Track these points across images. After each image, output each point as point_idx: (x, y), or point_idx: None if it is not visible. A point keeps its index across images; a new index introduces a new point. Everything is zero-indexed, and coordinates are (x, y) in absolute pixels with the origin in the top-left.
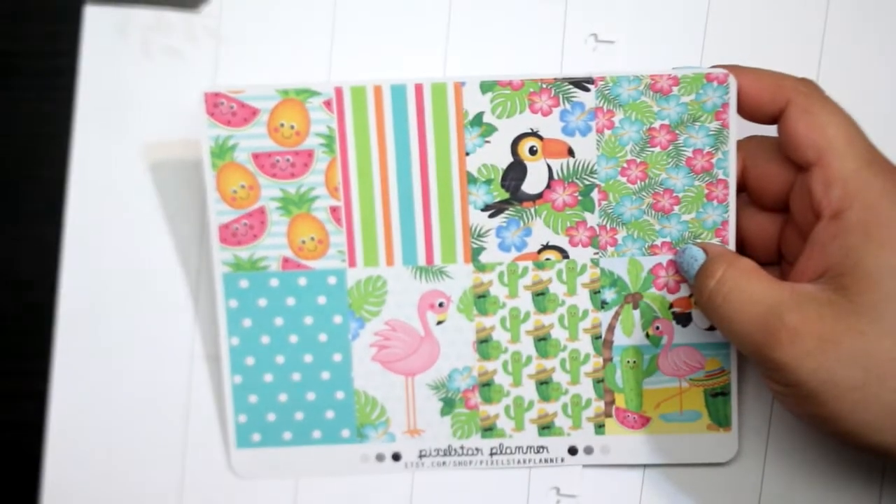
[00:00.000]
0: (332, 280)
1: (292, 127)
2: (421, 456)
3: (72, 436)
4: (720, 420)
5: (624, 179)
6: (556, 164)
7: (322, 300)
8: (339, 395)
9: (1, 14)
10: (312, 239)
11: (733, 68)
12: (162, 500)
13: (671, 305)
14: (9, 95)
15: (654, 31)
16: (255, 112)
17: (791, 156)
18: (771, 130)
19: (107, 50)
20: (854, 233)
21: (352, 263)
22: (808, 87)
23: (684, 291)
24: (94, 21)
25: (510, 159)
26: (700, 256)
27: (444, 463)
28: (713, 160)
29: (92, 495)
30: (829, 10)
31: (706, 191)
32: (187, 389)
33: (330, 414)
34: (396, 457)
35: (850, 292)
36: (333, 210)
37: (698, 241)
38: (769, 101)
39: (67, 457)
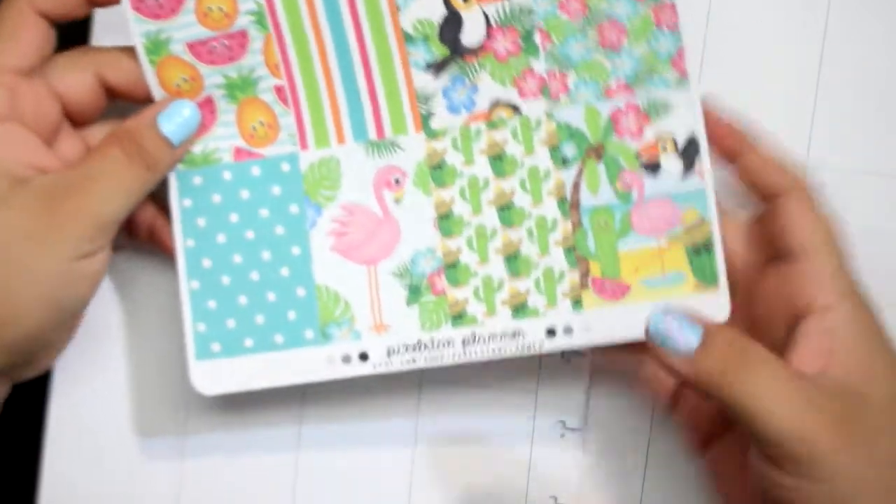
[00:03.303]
0: (285, 167)
1: (221, 9)
2: (389, 354)
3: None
4: (706, 278)
5: (564, 15)
6: (491, 8)
7: (277, 190)
8: (301, 291)
9: None
10: (262, 124)
11: (743, 141)
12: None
13: (638, 154)
14: None
15: None
16: (180, 0)
17: (781, 244)
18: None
19: None
20: (853, 327)
21: (303, 145)
22: (805, 183)
23: (649, 137)
24: (100, 23)
25: (443, 11)
26: (696, 331)
27: (413, 360)
28: None
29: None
30: (829, 9)
31: (653, 16)
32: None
33: (292, 314)
34: (364, 356)
35: (873, 389)
36: (278, 90)
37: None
38: (771, 185)
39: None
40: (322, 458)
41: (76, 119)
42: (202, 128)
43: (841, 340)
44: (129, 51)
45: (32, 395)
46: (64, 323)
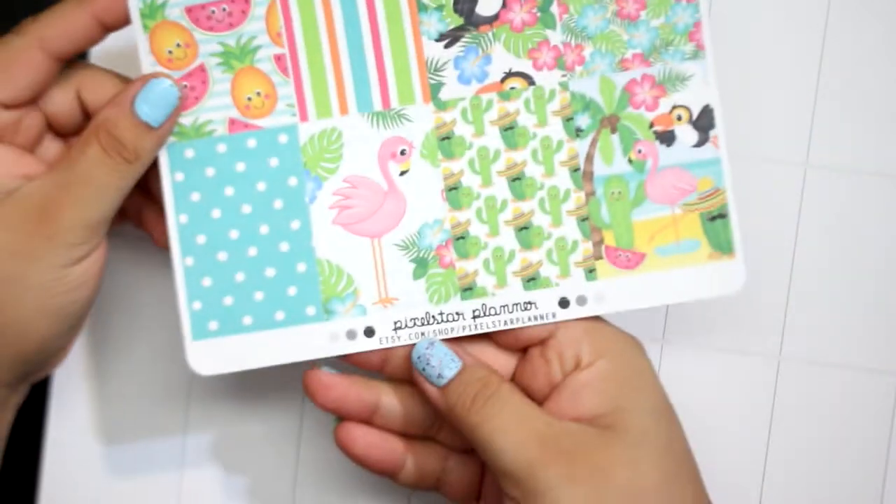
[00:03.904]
0: (283, 138)
1: None
2: (396, 328)
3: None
4: (722, 246)
5: None
6: None
7: (274, 162)
8: (301, 266)
9: (1, 14)
10: (259, 94)
11: None
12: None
13: (652, 124)
14: None
15: None
16: None
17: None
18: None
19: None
20: (610, 380)
21: (303, 117)
22: None
23: (664, 108)
24: None
25: None
26: (455, 363)
27: (422, 334)
28: None
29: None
30: (829, 9)
31: None
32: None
33: (292, 290)
34: (369, 332)
35: (617, 430)
36: (278, 59)
37: (440, 337)
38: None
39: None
40: (322, 457)
41: (61, 131)
42: (192, 98)
43: (592, 390)
44: (112, 73)
45: (33, 395)
46: (72, 326)
